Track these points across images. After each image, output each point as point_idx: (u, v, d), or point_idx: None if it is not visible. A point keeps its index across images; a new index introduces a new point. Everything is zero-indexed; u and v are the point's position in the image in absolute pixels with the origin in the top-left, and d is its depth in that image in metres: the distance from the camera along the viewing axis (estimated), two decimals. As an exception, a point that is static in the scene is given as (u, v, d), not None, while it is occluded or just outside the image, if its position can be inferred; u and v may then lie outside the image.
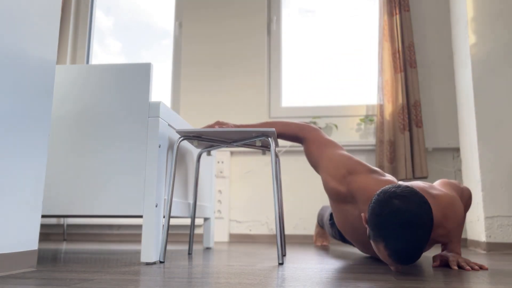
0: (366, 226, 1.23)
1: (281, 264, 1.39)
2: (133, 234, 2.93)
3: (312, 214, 2.80)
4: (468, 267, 1.28)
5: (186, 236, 2.88)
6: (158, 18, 3.40)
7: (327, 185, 1.49)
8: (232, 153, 2.93)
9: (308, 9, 3.17)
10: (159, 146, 1.46)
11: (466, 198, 1.55)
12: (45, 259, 1.54)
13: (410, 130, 2.69)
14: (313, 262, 1.50)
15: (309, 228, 2.79)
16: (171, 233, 2.90)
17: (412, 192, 1.17)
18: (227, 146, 1.68)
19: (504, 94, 2.23)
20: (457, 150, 2.75)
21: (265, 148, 1.73)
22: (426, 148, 2.75)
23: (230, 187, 2.90)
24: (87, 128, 1.50)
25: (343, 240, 2.00)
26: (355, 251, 2.06)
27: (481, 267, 1.30)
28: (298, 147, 2.85)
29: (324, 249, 2.18)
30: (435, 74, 2.84)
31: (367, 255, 1.72)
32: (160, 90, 3.23)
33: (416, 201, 1.15)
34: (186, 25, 3.12)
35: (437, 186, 1.49)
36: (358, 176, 1.44)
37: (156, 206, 1.43)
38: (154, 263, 1.42)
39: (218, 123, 1.70)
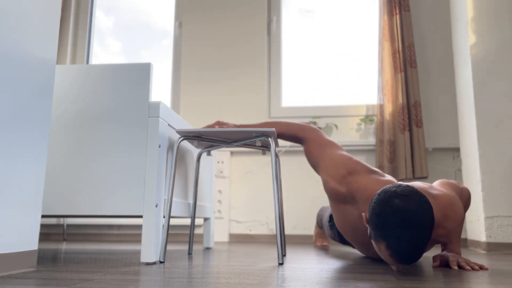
0: (367, 226, 1.23)
1: (281, 264, 1.39)
2: (133, 234, 2.93)
3: (312, 214, 2.80)
4: (468, 267, 1.28)
5: (186, 236, 2.88)
6: (158, 18, 3.40)
7: (327, 185, 1.49)
8: (232, 153, 2.93)
9: (308, 9, 3.17)
10: (159, 146, 1.46)
11: (465, 198, 1.55)
12: (45, 259, 1.54)
13: (410, 130, 2.69)
14: (313, 262, 1.50)
15: (309, 228, 2.79)
16: (171, 233, 2.90)
17: (413, 192, 1.17)
18: (227, 146, 1.68)
19: (504, 94, 2.23)
20: (457, 150, 2.74)
21: (265, 148, 1.73)
22: (426, 148, 2.75)
23: (230, 187, 2.90)
24: (87, 128, 1.50)
25: (343, 241, 2.00)
26: (355, 251, 2.06)
27: (481, 267, 1.30)
28: (298, 147, 2.85)
29: (324, 249, 2.18)
30: (435, 74, 2.84)
31: (367, 255, 1.72)
32: (160, 90, 3.23)
33: (417, 201, 1.15)
34: (186, 26, 3.12)
35: (436, 186, 1.49)
36: (358, 176, 1.44)
37: (156, 206, 1.42)
38: (154, 263, 1.42)
39: (218, 123, 1.70)
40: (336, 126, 2.86)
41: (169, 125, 1.58)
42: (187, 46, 3.09)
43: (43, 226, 2.96)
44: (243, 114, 2.96)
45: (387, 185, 1.23)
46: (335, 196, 1.48)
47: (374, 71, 3.02)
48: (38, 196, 1.21)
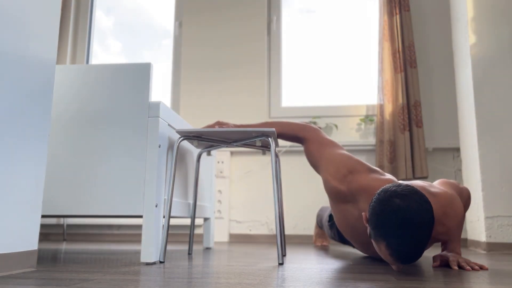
0: (367, 225, 1.23)
1: (281, 264, 1.39)
2: (133, 234, 2.93)
3: (312, 214, 2.80)
4: (468, 267, 1.27)
5: (186, 236, 2.88)
6: (158, 18, 3.40)
7: (327, 184, 1.49)
8: (232, 153, 2.93)
9: (308, 9, 3.17)
10: (159, 146, 1.46)
11: (465, 198, 1.55)
12: (45, 259, 1.54)
13: (410, 130, 2.69)
14: (313, 262, 1.50)
15: (309, 228, 2.79)
16: (171, 233, 2.90)
17: (413, 191, 1.17)
18: (227, 146, 1.68)
19: (504, 94, 2.23)
20: (457, 150, 2.74)
21: (265, 148, 1.73)
22: (426, 148, 2.75)
23: (230, 187, 2.90)
24: (87, 128, 1.50)
25: (342, 241, 2.00)
26: (355, 251, 2.06)
27: (481, 267, 1.30)
28: (298, 147, 2.85)
29: (324, 249, 2.18)
30: (435, 74, 2.84)
31: (367, 255, 1.72)
32: (160, 90, 3.23)
33: (417, 200, 1.15)
34: (186, 26, 3.12)
35: (436, 185, 1.49)
36: (358, 175, 1.44)
37: (156, 206, 1.42)
38: (154, 263, 1.42)
39: (218, 123, 1.70)
40: (336, 126, 2.86)
41: (169, 125, 1.58)
42: (187, 46, 3.09)
43: (43, 226, 2.96)
44: (243, 114, 2.96)
45: (387, 185, 1.23)
46: (335, 195, 1.48)
47: (374, 71, 3.02)
48: (38, 196, 1.21)
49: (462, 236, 2.59)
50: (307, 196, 2.82)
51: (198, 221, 2.78)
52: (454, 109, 2.77)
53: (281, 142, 2.87)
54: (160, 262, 1.44)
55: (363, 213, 1.26)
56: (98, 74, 1.53)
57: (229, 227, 2.85)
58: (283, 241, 1.74)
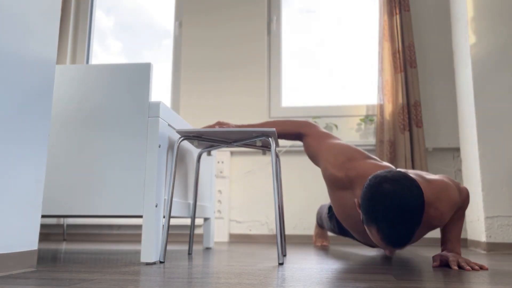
0: (359, 211, 1.25)
1: (281, 264, 1.39)
2: (133, 234, 2.93)
3: (312, 214, 2.80)
4: (468, 267, 1.28)
5: (186, 236, 2.88)
6: (158, 18, 3.40)
7: (326, 172, 1.52)
8: (232, 153, 2.93)
9: (308, 9, 3.17)
10: (159, 146, 1.46)
11: (463, 197, 1.55)
12: (45, 259, 1.54)
13: (410, 130, 2.69)
14: (313, 262, 1.50)
15: (309, 228, 2.79)
16: (171, 233, 2.90)
17: (403, 176, 1.20)
18: (227, 146, 1.68)
19: (504, 94, 2.23)
20: (457, 150, 2.74)
21: (265, 148, 1.73)
22: (426, 148, 2.75)
23: (230, 187, 2.90)
24: (87, 128, 1.50)
25: (342, 232, 2.01)
26: (355, 251, 2.06)
27: (481, 267, 1.30)
28: (298, 147, 2.85)
29: (324, 249, 2.18)
30: (435, 74, 2.84)
31: (365, 243, 1.73)
32: (160, 90, 3.23)
33: (407, 185, 1.17)
34: (186, 26, 3.12)
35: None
36: (356, 162, 1.47)
37: (156, 206, 1.42)
38: (154, 263, 1.42)
39: (219, 123, 1.71)
40: (336, 126, 2.86)
41: (169, 125, 1.58)
42: (187, 46, 3.09)
43: (43, 226, 2.96)
44: (243, 114, 2.96)
45: (379, 171, 1.25)
46: (333, 183, 1.50)
47: (374, 71, 3.02)
48: (38, 196, 1.21)
49: (462, 236, 2.59)
50: (307, 196, 2.82)
51: (198, 221, 2.78)
52: (454, 109, 2.77)
53: (281, 142, 2.87)
54: (160, 262, 1.44)
55: (355, 199, 1.28)
56: (98, 74, 1.53)
57: (229, 227, 2.85)
58: (283, 241, 1.74)
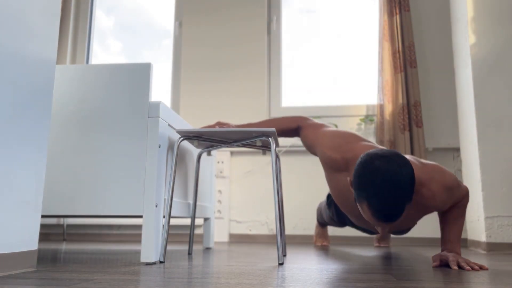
0: (352, 189, 1.28)
1: (281, 264, 1.39)
2: (133, 234, 2.93)
3: (312, 214, 2.80)
4: (468, 267, 1.28)
5: (186, 236, 2.88)
6: (158, 18, 3.40)
7: (323, 155, 1.56)
8: (232, 153, 2.93)
9: (308, 9, 3.17)
10: (159, 146, 1.46)
11: (463, 193, 1.55)
12: (45, 259, 1.54)
13: (410, 130, 2.69)
14: (313, 262, 1.50)
15: (309, 228, 2.79)
16: (171, 233, 2.90)
17: (394, 153, 1.24)
18: (227, 146, 1.68)
19: (504, 93, 2.23)
20: (457, 150, 2.74)
21: (265, 148, 1.73)
22: (426, 148, 2.75)
23: (230, 187, 2.90)
24: (87, 128, 1.50)
25: (340, 220, 2.03)
26: (355, 251, 2.06)
27: (481, 267, 1.30)
28: (298, 147, 2.85)
29: (324, 249, 2.18)
30: (435, 74, 2.84)
31: (361, 226, 1.74)
32: (160, 90, 3.23)
33: (397, 161, 1.21)
34: (186, 26, 3.12)
35: None
36: (353, 144, 1.51)
37: (156, 206, 1.42)
38: (154, 263, 1.42)
39: (219, 123, 1.72)
40: (336, 126, 2.86)
41: (169, 125, 1.58)
42: (187, 46, 3.09)
43: (43, 226, 2.96)
44: (243, 114, 2.96)
45: (371, 150, 1.29)
46: (330, 166, 1.54)
47: (374, 71, 3.02)
48: (38, 196, 1.21)
49: (462, 236, 2.59)
50: (307, 196, 2.82)
51: (198, 221, 2.78)
52: (454, 109, 2.77)
53: (281, 142, 2.88)
54: (160, 262, 1.44)
55: (347, 178, 1.31)
56: (98, 74, 1.53)
57: (229, 227, 2.85)
58: (283, 241, 1.74)
